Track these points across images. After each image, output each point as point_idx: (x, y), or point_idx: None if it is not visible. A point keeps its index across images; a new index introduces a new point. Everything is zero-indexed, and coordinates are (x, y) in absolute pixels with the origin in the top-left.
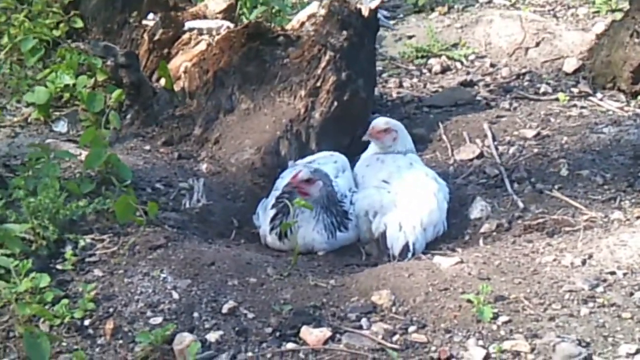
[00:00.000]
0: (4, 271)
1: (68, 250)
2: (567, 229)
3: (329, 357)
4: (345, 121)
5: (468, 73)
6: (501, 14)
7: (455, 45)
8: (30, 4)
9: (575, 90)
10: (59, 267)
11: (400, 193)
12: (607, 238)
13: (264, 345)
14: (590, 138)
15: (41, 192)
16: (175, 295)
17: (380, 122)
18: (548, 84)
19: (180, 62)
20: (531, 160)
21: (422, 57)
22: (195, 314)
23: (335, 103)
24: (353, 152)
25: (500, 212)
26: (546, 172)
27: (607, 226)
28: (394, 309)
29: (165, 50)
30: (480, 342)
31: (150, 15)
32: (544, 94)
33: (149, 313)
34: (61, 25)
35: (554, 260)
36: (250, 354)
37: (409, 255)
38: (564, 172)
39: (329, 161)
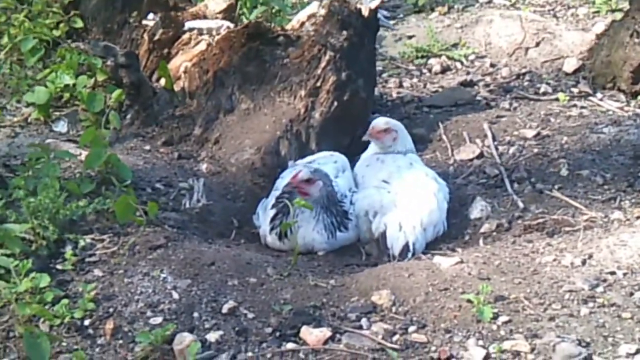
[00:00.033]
0: (4, 271)
1: (68, 250)
2: (567, 229)
3: (329, 357)
4: (345, 121)
5: (468, 73)
6: (501, 14)
7: (455, 45)
8: (30, 4)
9: (575, 90)
10: (59, 267)
11: (400, 193)
12: (607, 238)
13: (264, 345)
14: (590, 138)
15: (41, 192)
16: (175, 295)
17: (380, 122)
18: (548, 84)
19: (180, 62)
20: (531, 160)
21: (422, 57)
22: (195, 314)
23: (335, 103)
24: (353, 152)
25: (500, 212)
26: (546, 172)
27: (607, 226)
28: (394, 309)
29: (165, 50)
30: (480, 342)
31: (150, 15)
32: (544, 94)
33: (149, 313)
34: (61, 25)
35: (554, 260)
36: (250, 354)
37: (409, 255)
38: (564, 172)
39: (329, 161)
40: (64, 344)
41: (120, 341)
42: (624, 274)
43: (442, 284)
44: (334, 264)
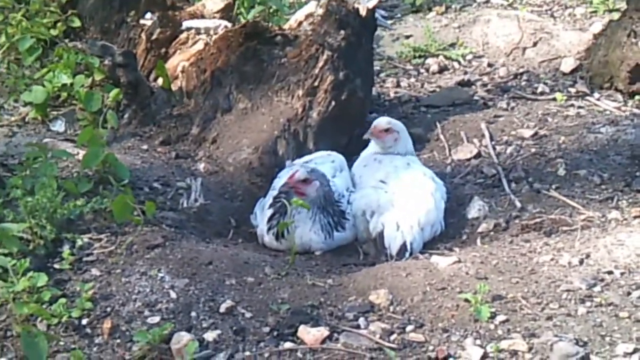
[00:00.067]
0: (1, 270)
1: (65, 249)
2: (565, 228)
3: (327, 356)
4: (343, 121)
5: (465, 73)
6: (499, 14)
7: (452, 45)
8: (28, 3)
9: (572, 90)
10: (56, 266)
11: (397, 193)
12: (604, 238)
13: (262, 344)
14: (587, 138)
15: (39, 191)
16: (173, 295)
17: (382, 121)
18: (545, 83)
19: (178, 61)
20: (529, 160)
21: (420, 56)
22: (193, 313)
23: (333, 102)
24: (351, 151)
25: (497, 212)
26: (544, 171)
27: (604, 226)
28: (391, 308)
29: (163, 50)
30: (478, 342)
31: (148, 15)
32: (542, 93)
33: (146, 312)
34: (59, 24)
35: (552, 259)
36: (247, 353)
37: (407, 254)
38: (562, 171)
39: (326, 161)
40: (61, 343)
41: (118, 340)
42: (622, 274)
43: (439, 284)
44: (332, 263)
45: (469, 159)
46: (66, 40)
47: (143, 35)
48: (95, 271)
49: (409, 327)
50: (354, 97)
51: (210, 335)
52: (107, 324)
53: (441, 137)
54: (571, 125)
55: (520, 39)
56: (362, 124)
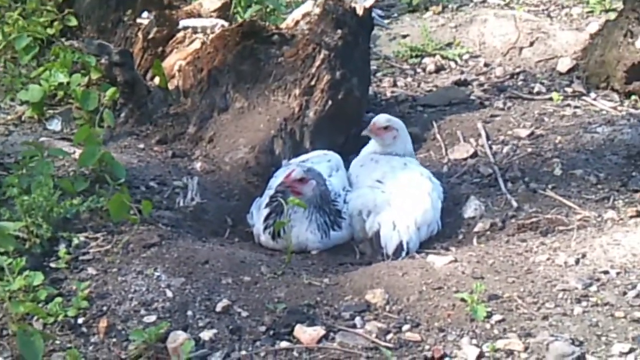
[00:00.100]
0: None
1: (62, 248)
2: (561, 228)
3: (323, 355)
4: (340, 120)
5: (462, 72)
6: (495, 14)
7: (449, 45)
8: (24, 2)
9: (569, 89)
10: (52, 265)
11: (394, 193)
12: (600, 237)
13: (258, 343)
14: (583, 138)
15: (35, 190)
16: (169, 294)
17: (381, 118)
18: (542, 83)
19: (175, 60)
20: (525, 160)
21: (417, 56)
22: (189, 313)
23: (330, 102)
24: (347, 151)
25: (494, 211)
26: (540, 171)
27: (600, 225)
28: (387, 307)
29: (160, 49)
30: (474, 341)
31: (145, 14)
32: (538, 93)
33: (142, 311)
34: (55, 23)
35: (548, 259)
36: (244, 352)
37: (403, 254)
38: (558, 171)
39: (322, 160)
40: (57, 342)
41: (114, 339)
42: (617, 273)
43: (436, 283)
44: (328, 262)
45: (465, 159)
46: (63, 39)
47: (140, 34)
48: (91, 270)
49: (405, 327)
50: (351, 96)
51: (206, 335)
52: (103, 323)
53: (438, 136)
54: (567, 125)
55: (517, 38)
56: (358, 124)
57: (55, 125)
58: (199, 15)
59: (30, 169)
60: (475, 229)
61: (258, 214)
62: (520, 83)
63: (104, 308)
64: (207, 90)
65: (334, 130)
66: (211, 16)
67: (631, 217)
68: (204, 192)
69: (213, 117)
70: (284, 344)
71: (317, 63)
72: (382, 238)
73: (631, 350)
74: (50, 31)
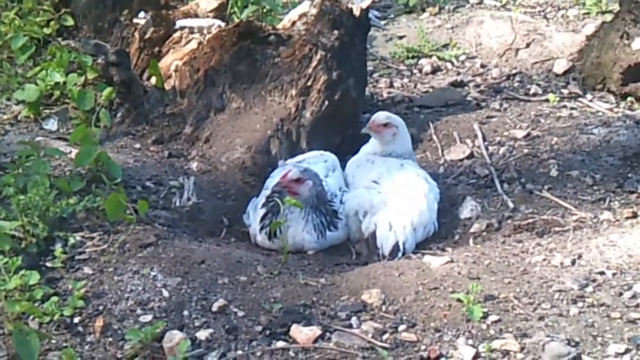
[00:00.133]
0: None
1: (58, 247)
2: (557, 229)
3: (319, 355)
4: (336, 120)
5: (458, 73)
6: (492, 15)
7: (445, 46)
8: (21, 1)
9: (565, 91)
10: (48, 264)
11: (390, 193)
12: (596, 238)
13: (254, 343)
14: (580, 139)
15: (31, 189)
16: (165, 293)
17: (381, 115)
18: (538, 84)
19: (171, 60)
20: (521, 161)
21: (413, 57)
22: (185, 312)
23: (326, 102)
24: (343, 151)
25: (490, 212)
26: (536, 172)
27: (596, 227)
28: (384, 307)
29: (156, 49)
30: (470, 341)
31: (141, 14)
32: (534, 94)
33: (138, 311)
34: (52, 23)
35: (544, 260)
36: (240, 352)
37: (399, 254)
38: (554, 172)
39: (319, 160)
40: (53, 341)
41: (110, 339)
42: (613, 274)
43: (432, 283)
44: (324, 262)
45: (461, 160)
46: (59, 39)
47: (136, 34)
48: (87, 269)
49: (401, 327)
50: (347, 97)
51: (202, 334)
52: (99, 323)
53: (434, 137)
54: (564, 126)
55: (513, 40)
56: (355, 124)
57: (52, 124)
58: (196, 16)
59: (26, 168)
60: (472, 230)
61: (254, 214)
62: (516, 84)
63: (100, 307)
64: (203, 91)
65: (330, 131)
66: (208, 16)
67: (627, 218)
68: (200, 192)
69: (209, 117)
70: (280, 344)
71: (314, 63)
72: (378, 239)
73: (627, 351)
74: (46, 31)
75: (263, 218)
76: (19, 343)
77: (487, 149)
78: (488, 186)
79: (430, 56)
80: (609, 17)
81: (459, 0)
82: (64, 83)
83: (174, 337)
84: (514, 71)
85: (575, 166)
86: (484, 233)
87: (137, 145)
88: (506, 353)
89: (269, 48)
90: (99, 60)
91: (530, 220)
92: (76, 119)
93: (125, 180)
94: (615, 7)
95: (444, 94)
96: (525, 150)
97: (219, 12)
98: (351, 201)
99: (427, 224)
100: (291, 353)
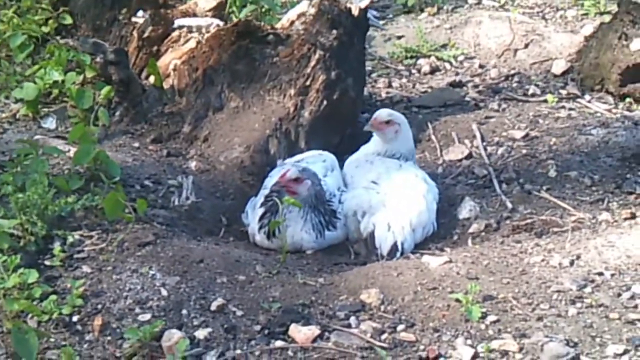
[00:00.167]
0: None
1: (56, 246)
2: (555, 229)
3: (318, 355)
4: (335, 120)
5: (457, 74)
6: (490, 16)
7: (444, 46)
8: (19, 0)
9: (563, 92)
10: (47, 263)
11: (389, 194)
12: (595, 239)
13: (253, 342)
14: (578, 139)
15: (30, 188)
16: (164, 292)
17: (383, 113)
18: (537, 85)
19: (170, 59)
20: (520, 161)
21: (412, 57)
22: (184, 311)
23: (325, 102)
24: (342, 151)
25: (488, 213)
26: (535, 172)
27: (595, 227)
28: (382, 307)
29: (155, 48)
30: (469, 342)
31: (140, 13)
32: (533, 95)
33: (137, 310)
34: (50, 21)
35: (542, 260)
36: (238, 351)
37: (398, 255)
38: (553, 173)
39: (317, 160)
40: (52, 339)
41: (109, 337)
42: (612, 275)
43: (430, 283)
44: (323, 262)
45: (460, 160)
46: (58, 38)
47: (135, 33)
48: (86, 268)
49: (400, 327)
50: (346, 96)
51: (201, 333)
52: (97, 321)
53: (432, 137)
54: (562, 127)
55: (512, 40)
56: (353, 124)
57: (50, 123)
58: (194, 15)
59: (25, 166)
60: (470, 230)
61: (253, 214)
62: (515, 85)
63: (99, 306)
64: (202, 90)
65: (329, 131)
66: (206, 15)
67: (625, 219)
68: (198, 191)
69: (208, 117)
70: (278, 343)
71: (312, 63)
72: (376, 239)
73: (625, 352)
74: (45, 29)
75: (262, 217)
76: (18, 341)
77: (485, 149)
78: (487, 186)
79: (429, 56)
80: (607, 18)
81: (458, 0)
82: (63, 82)
83: (173, 336)
84: (512, 72)
85: (573, 167)
86: (483, 233)
87: (136, 144)
88: (505, 353)
89: (267, 47)
90: (98, 59)
91: (528, 221)
92: (75, 118)
93: (123, 179)
94: (614, 8)
95: (443, 94)
96: (524, 151)
97: (218, 11)
98: (350, 201)
99: (426, 224)
100: (290, 352)
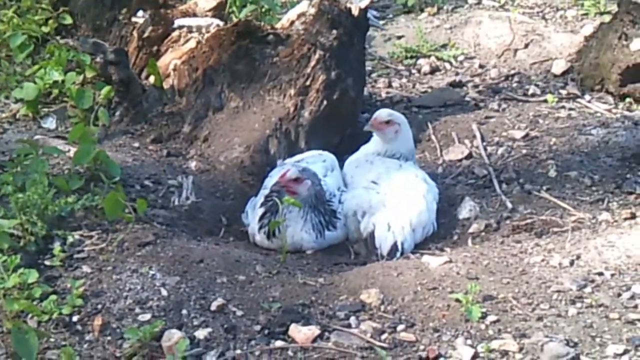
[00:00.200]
0: None
1: (56, 246)
2: (555, 229)
3: (318, 355)
4: (335, 120)
5: (457, 74)
6: (490, 16)
7: (444, 46)
8: (19, 0)
9: (563, 92)
10: (47, 263)
11: (389, 194)
12: (595, 239)
13: (253, 342)
14: (578, 139)
15: (30, 188)
16: (164, 292)
17: (383, 113)
18: (537, 85)
19: (170, 59)
20: (520, 161)
21: (412, 57)
22: (184, 311)
23: (325, 102)
24: (342, 151)
25: (488, 213)
26: (534, 172)
27: (595, 227)
28: (382, 307)
29: (155, 48)
30: (469, 342)
31: (140, 13)
32: (533, 95)
33: (137, 310)
34: (50, 21)
35: (542, 260)
36: (238, 351)
37: (397, 255)
38: (553, 173)
39: (317, 160)
40: (52, 339)
41: (109, 337)
42: (612, 275)
43: (430, 283)
44: (323, 262)
45: (460, 160)
46: (58, 38)
47: (135, 33)
48: (86, 268)
49: (400, 327)
50: (346, 96)
51: (201, 333)
52: (97, 321)
53: (432, 137)
54: (562, 127)
55: (512, 40)
56: (353, 124)
57: (50, 123)
58: (194, 15)
59: (25, 166)
60: (470, 230)
61: (253, 214)
62: (515, 85)
63: (99, 306)
64: (202, 90)
65: (329, 131)
66: (206, 15)
67: (625, 219)
68: (198, 191)
69: (208, 117)
70: (278, 343)
71: (312, 63)
72: (376, 239)
73: (625, 352)
74: (45, 29)
75: (262, 217)
76: (18, 341)
77: (485, 149)
78: (487, 186)
79: (429, 56)
80: (607, 18)
81: (458, 0)
82: (63, 82)
83: (173, 336)
84: (512, 72)
85: (573, 167)
86: (483, 233)
87: (136, 144)
88: (505, 353)
89: (267, 47)
90: (98, 59)
91: (528, 221)
92: (75, 118)
93: (123, 179)
94: (614, 8)
95: (443, 94)
96: (524, 151)
97: (218, 11)
98: (350, 201)
99: (426, 224)
100: (290, 352)
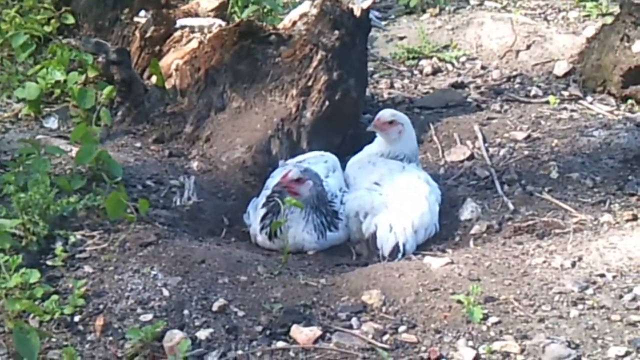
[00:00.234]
0: None
1: (58, 246)
2: (557, 231)
3: (319, 356)
4: (337, 121)
5: (459, 75)
6: (492, 17)
7: (446, 47)
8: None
9: (565, 93)
10: (49, 263)
11: (391, 195)
12: (596, 241)
13: (254, 343)
14: (580, 141)
15: (31, 187)
16: (166, 293)
17: (386, 113)
18: (539, 86)
19: (172, 59)
20: (521, 163)
21: (413, 58)
22: (186, 312)
23: (327, 102)
24: (344, 151)
25: (490, 214)
26: (536, 174)
27: (596, 229)
28: (384, 308)
29: (157, 48)
30: (470, 343)
31: (142, 13)
32: (535, 96)
33: (139, 310)
34: (52, 21)
35: (544, 262)
36: (240, 352)
37: (399, 256)
38: (554, 174)
39: (319, 161)
40: (53, 339)
41: (110, 338)
42: (614, 277)
43: (432, 285)
44: (325, 263)
45: (462, 161)
46: (60, 37)
47: (137, 33)
48: (87, 268)
49: (402, 328)
50: (348, 97)
51: (202, 334)
52: (99, 321)
53: (434, 138)
54: (564, 129)
55: (514, 41)
56: (355, 125)
57: (52, 123)
58: (197, 15)
59: (27, 166)
60: (472, 231)
61: (255, 214)
62: (517, 86)
63: (101, 306)
64: (204, 90)
65: (330, 131)
66: (208, 15)
67: (627, 220)
68: (200, 192)
69: (210, 117)
70: (280, 344)
71: (314, 64)
72: (378, 240)
73: (627, 354)
74: (47, 29)
75: (263, 218)
76: (19, 341)
77: (487, 150)
78: (488, 188)
79: (431, 57)
80: (609, 20)
81: (460, 1)
82: (65, 81)
83: (175, 336)
84: (514, 73)
85: (575, 168)
86: (484, 234)
87: (138, 144)
88: (506, 355)
89: (269, 48)
90: (100, 59)
91: (530, 222)
92: (77, 118)
93: (125, 179)
94: (616, 9)
95: (445, 95)
96: (526, 152)
97: (220, 11)
98: (352, 202)
99: (428, 225)
100: (291, 353)
